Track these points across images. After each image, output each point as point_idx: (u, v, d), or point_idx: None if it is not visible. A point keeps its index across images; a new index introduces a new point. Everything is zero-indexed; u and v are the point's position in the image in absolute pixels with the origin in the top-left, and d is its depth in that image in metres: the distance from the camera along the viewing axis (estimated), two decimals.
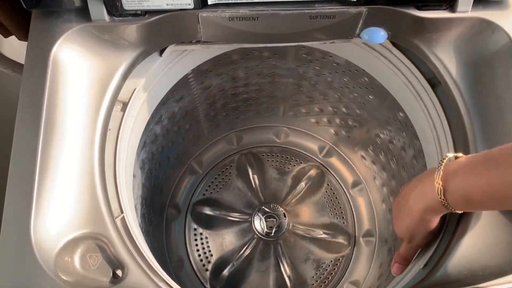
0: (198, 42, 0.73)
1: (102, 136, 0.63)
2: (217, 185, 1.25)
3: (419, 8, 0.63)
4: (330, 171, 1.28)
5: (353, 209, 1.23)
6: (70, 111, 0.60)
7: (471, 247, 0.57)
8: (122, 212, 0.63)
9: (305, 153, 1.30)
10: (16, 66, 0.74)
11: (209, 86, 0.99)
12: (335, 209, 1.23)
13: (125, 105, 0.70)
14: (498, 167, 0.49)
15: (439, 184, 0.54)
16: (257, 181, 1.22)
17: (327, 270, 1.17)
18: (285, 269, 1.14)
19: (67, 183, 0.57)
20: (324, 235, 1.18)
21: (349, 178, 1.26)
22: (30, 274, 0.52)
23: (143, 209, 0.94)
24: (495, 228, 0.57)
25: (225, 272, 1.14)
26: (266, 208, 1.18)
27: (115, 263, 0.57)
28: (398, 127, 0.90)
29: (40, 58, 0.59)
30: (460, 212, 0.56)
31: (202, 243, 1.18)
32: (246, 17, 0.64)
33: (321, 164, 1.28)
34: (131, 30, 0.63)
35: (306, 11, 0.63)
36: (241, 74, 0.99)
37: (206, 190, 1.24)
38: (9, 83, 0.84)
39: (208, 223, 1.19)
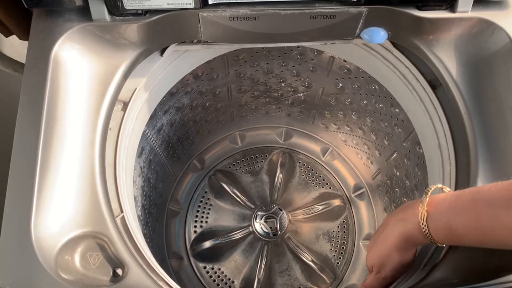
0: (199, 42, 0.73)
1: (102, 135, 0.63)
2: (202, 216, 1.23)
3: (419, 8, 0.63)
4: (295, 150, 1.32)
5: (332, 173, 1.29)
6: (71, 110, 0.60)
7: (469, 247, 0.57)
8: (122, 211, 0.63)
9: (266, 145, 1.32)
10: (17, 65, 0.74)
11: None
12: (317, 180, 1.28)
13: (125, 105, 0.71)
14: (487, 205, 0.48)
15: (424, 209, 0.53)
16: (238, 193, 1.23)
17: (339, 237, 1.21)
18: (305, 256, 1.16)
19: (68, 182, 0.57)
20: (321, 207, 1.21)
21: (316, 148, 1.31)
22: (30, 272, 0.52)
23: (143, 200, 0.95)
24: None
25: None
26: (260, 212, 1.19)
27: (115, 262, 0.57)
28: (395, 123, 0.91)
29: (41, 57, 0.59)
30: (438, 244, 0.55)
31: (219, 277, 1.17)
32: (247, 17, 0.64)
33: (285, 148, 1.32)
34: (132, 29, 0.63)
35: (307, 10, 0.63)
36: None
37: (195, 226, 1.22)
38: (10, 82, 0.84)
39: (214, 255, 1.18)
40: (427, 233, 0.53)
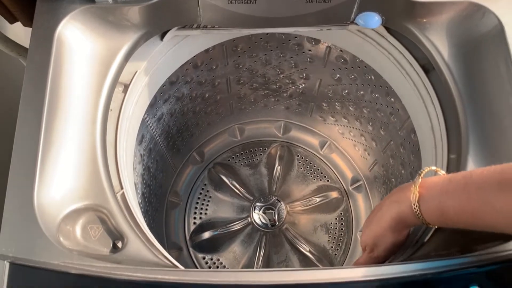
0: (198, 27, 0.75)
1: (104, 115, 0.65)
2: (202, 208, 1.24)
3: None
4: (294, 144, 1.34)
5: (330, 166, 1.30)
6: (73, 88, 0.62)
7: None
8: (122, 188, 0.65)
9: (265, 138, 1.34)
10: (21, 49, 0.76)
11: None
12: (315, 173, 1.30)
13: (126, 87, 0.72)
14: (479, 188, 0.48)
15: (416, 190, 0.54)
16: (237, 185, 1.24)
17: (336, 228, 1.22)
18: (303, 247, 1.17)
19: (70, 156, 0.59)
20: (319, 199, 1.23)
21: (314, 141, 1.33)
22: (33, 241, 0.53)
23: (143, 188, 0.96)
24: None
25: None
26: (259, 203, 1.20)
27: (115, 235, 0.59)
28: (391, 112, 0.92)
29: (45, 37, 0.61)
30: (431, 226, 0.56)
31: (218, 267, 1.18)
32: (245, 0, 0.66)
33: (284, 141, 1.34)
34: (134, 11, 0.65)
35: None
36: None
37: (195, 218, 1.23)
38: (14, 65, 0.86)
39: (213, 246, 1.20)
40: (419, 214, 0.54)
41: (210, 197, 1.26)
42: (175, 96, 0.99)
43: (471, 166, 0.61)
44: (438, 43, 0.67)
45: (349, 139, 1.24)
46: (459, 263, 0.52)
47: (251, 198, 1.22)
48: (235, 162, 1.31)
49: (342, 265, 1.18)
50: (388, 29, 0.77)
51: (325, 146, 1.31)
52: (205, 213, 1.24)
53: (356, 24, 0.72)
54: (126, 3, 0.64)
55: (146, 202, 1.01)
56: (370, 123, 1.07)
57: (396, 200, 0.58)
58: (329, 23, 0.73)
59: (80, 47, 0.64)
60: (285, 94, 1.19)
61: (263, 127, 1.34)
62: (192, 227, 1.22)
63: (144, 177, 0.99)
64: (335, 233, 1.22)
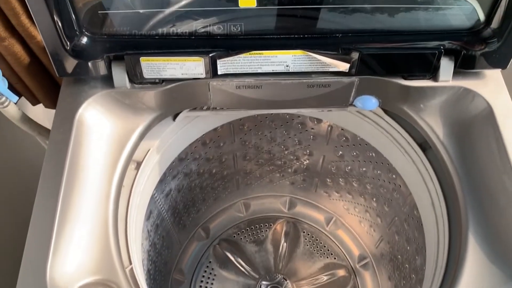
0: (208, 108, 0.81)
1: (117, 191, 0.68)
2: (206, 287, 1.23)
3: (405, 78, 0.71)
4: (299, 219, 1.33)
5: (336, 243, 1.29)
6: (90, 165, 0.66)
7: None
8: (130, 263, 0.66)
9: (271, 214, 1.35)
10: (41, 129, 0.81)
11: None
12: (321, 250, 1.28)
13: (139, 164, 0.76)
14: None
15: None
16: (242, 262, 1.24)
17: None
18: None
19: (83, 231, 0.62)
20: (326, 278, 1.21)
21: (320, 217, 1.32)
22: None
23: (149, 265, 0.96)
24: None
25: None
26: (265, 281, 1.19)
27: None
28: (393, 188, 0.95)
29: (67, 118, 0.66)
30: None
31: None
32: (251, 86, 0.72)
33: (290, 217, 1.34)
34: (149, 95, 0.71)
35: (304, 80, 0.71)
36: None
37: None
38: (35, 145, 0.91)
39: None
40: None
41: (215, 275, 1.24)
42: (183, 172, 1.03)
43: (472, 242, 0.63)
44: (433, 123, 0.72)
45: (354, 215, 1.25)
46: None
47: (257, 276, 1.21)
48: (241, 238, 1.31)
49: None
50: (385, 110, 0.82)
51: (331, 222, 1.31)
52: None
53: (354, 106, 0.77)
54: (143, 88, 0.70)
55: (151, 279, 1.00)
56: (374, 199, 1.09)
57: None
58: (330, 105, 0.78)
59: (98, 128, 0.69)
60: (290, 170, 1.23)
61: (269, 202, 1.36)
62: None
63: (150, 253, 0.99)
64: None
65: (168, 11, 0.66)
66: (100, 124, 0.69)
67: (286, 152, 1.14)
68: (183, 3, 0.66)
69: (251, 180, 1.26)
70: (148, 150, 0.78)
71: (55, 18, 0.60)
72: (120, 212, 0.69)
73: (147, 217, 0.92)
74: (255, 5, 0.64)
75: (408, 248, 0.98)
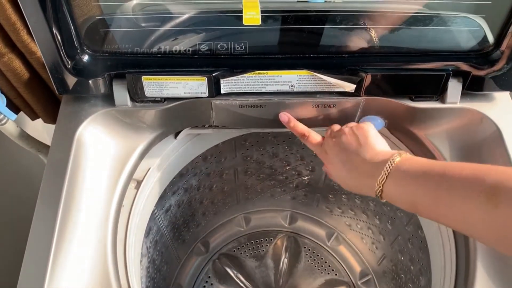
0: (210, 126, 0.79)
1: (116, 212, 0.66)
2: None
3: (412, 99, 0.70)
4: (300, 234, 1.32)
5: (338, 259, 1.27)
6: (89, 185, 0.64)
7: None
8: (129, 287, 0.64)
9: (271, 228, 1.33)
10: (40, 145, 0.80)
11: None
12: (322, 266, 1.27)
13: (139, 183, 0.75)
14: (448, 191, 0.47)
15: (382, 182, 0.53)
16: (242, 278, 1.22)
17: None
18: None
19: (82, 253, 0.60)
20: None
21: (321, 232, 1.31)
22: None
23: (147, 282, 0.94)
24: None
25: None
26: None
27: None
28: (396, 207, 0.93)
29: (66, 137, 0.65)
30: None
31: None
32: (255, 105, 0.70)
33: (290, 232, 1.32)
34: (150, 114, 0.69)
35: (309, 100, 0.70)
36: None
37: None
38: (34, 162, 0.89)
39: None
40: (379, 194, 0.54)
41: None
42: (183, 188, 1.01)
43: (481, 271, 0.61)
44: (440, 146, 0.70)
45: (357, 231, 1.23)
46: None
47: None
48: (241, 253, 1.29)
49: None
50: (391, 131, 0.81)
51: (332, 237, 1.30)
52: None
53: None
54: (144, 107, 0.68)
55: None
56: (377, 216, 1.08)
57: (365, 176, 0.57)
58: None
59: (98, 147, 0.67)
60: (291, 185, 1.21)
61: (269, 216, 1.34)
62: None
63: (149, 270, 0.98)
64: None
65: (171, 29, 0.65)
66: (100, 143, 0.67)
67: (288, 168, 1.12)
68: (186, 21, 0.65)
69: (252, 195, 1.25)
70: (149, 169, 0.76)
71: (56, 35, 0.58)
72: (119, 232, 0.67)
73: (146, 234, 0.90)
74: (260, 23, 0.63)
75: (412, 267, 0.96)
